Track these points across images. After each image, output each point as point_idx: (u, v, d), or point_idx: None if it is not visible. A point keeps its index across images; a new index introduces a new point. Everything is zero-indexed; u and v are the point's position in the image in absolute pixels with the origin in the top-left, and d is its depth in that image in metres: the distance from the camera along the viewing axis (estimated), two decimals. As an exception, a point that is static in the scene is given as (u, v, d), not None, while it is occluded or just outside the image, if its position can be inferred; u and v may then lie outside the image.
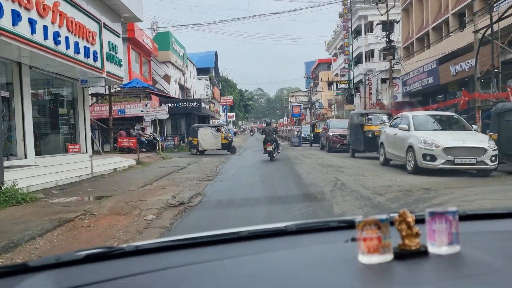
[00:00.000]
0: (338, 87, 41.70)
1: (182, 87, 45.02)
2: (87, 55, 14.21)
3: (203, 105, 29.55)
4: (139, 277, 1.12)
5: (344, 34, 42.43)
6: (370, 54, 42.85)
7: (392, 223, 1.07)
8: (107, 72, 15.96)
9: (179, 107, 28.34)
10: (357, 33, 44.44)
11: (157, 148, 22.69)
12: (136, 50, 34.93)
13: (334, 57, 54.34)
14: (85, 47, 14.07)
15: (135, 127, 24.32)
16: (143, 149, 22.57)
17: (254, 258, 1.24)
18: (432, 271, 1.01)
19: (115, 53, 16.95)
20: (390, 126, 13.19)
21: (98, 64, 15.14)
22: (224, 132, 23.52)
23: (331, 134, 20.39)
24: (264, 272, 1.11)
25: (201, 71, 56.65)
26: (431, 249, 1.08)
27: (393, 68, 23.28)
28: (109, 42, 16.31)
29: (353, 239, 1.18)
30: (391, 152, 12.61)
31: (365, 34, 42.13)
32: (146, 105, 25.68)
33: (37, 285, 1.11)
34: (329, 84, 57.00)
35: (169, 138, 27.29)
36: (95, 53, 14.82)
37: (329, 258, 1.18)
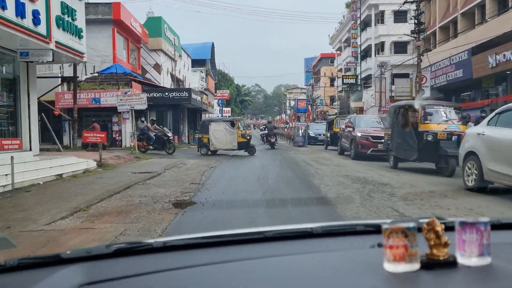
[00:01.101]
0: (344, 82, 37.44)
1: (174, 79, 40.59)
2: (21, 13, 9.86)
3: (193, 96, 25.13)
4: (166, 273, 1.11)
5: (352, 24, 38.14)
6: (380, 48, 38.62)
7: (419, 230, 1.03)
8: (57, 42, 11.60)
9: (165, 98, 23.94)
10: (365, 25, 40.17)
11: (167, 146, 18.53)
12: (122, 35, 30.42)
13: (338, 52, 50.04)
14: (17, 1, 9.74)
15: (141, 119, 19.62)
16: (150, 147, 18.66)
17: (279, 260, 1.21)
18: (461, 283, 0.98)
19: (73, 19, 12.56)
20: (491, 125, 7.56)
21: (41, 29, 10.77)
22: (241, 128, 18.93)
23: (358, 134, 14.88)
24: (289, 274, 1.09)
25: (197, 63, 52.11)
26: (460, 260, 1.02)
27: (422, 57, 19.02)
28: (61, 2, 11.93)
29: (380, 245, 1.14)
30: (501, 170, 7.02)
31: (375, 25, 37.85)
32: (125, 93, 21.34)
33: (69, 277, 1.10)
34: (332, 80, 52.72)
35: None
36: (35, 13, 10.46)
37: (354, 263, 1.13)
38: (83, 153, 15.33)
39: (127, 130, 22.54)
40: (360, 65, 38.10)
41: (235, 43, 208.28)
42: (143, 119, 19.95)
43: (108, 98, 21.82)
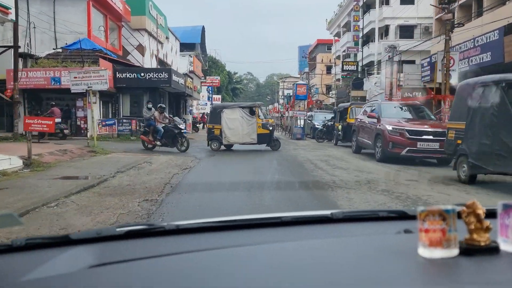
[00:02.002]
0: (344, 68, 33.76)
1: (161, 62, 36.53)
2: None
3: (174, 78, 21.20)
4: (180, 256, 1.07)
5: (354, 6, 34.31)
6: (384, 32, 34.93)
7: (459, 215, 0.94)
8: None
9: (140, 79, 20.02)
10: (367, 7, 36.38)
11: (179, 141, 13.85)
12: (100, 11, 26.36)
13: (337, 38, 46.18)
14: None
15: (148, 105, 15.47)
16: (158, 143, 14.04)
17: (298, 244, 1.14)
18: (504, 271, 0.90)
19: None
20: None
21: None
22: (261, 116, 14.99)
23: (388, 128, 10.63)
24: (310, 258, 1.01)
25: (186, 47, 47.94)
26: (503, 246, 0.94)
27: (450, 34, 15.35)
28: None
29: (407, 231, 1.14)
30: None
31: (379, 6, 34.07)
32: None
33: (78, 258, 1.06)
34: (328, 67, 48.91)
35: (125, 121, 19.07)
36: None
37: (382, 249, 1.05)
38: (21, 145, 11.55)
39: (94, 116, 18.67)
40: (362, 51, 34.37)
41: (228, 31, 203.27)
42: (150, 105, 15.52)
43: (71, 78, 17.91)
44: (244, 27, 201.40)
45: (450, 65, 15.46)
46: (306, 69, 58.72)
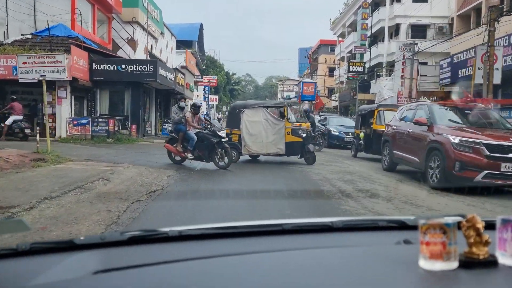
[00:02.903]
0: (351, 69, 30.77)
1: (146, 55, 33.30)
2: None
3: (161, 71, 18.03)
4: (183, 263, 1.06)
5: (363, 3, 31.27)
6: (393, 31, 31.99)
7: (459, 228, 0.95)
8: None
9: (120, 72, 16.88)
10: (376, 5, 33.43)
11: (218, 154, 9.70)
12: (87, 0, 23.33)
13: (341, 38, 43.20)
14: None
15: (180, 104, 11.17)
16: (189, 154, 9.96)
17: (300, 253, 1.14)
18: (502, 284, 0.91)
19: None
20: None
21: None
22: (292, 119, 11.28)
23: (453, 140, 7.09)
24: (312, 267, 1.01)
25: (182, 44, 44.75)
26: (501, 260, 0.94)
27: (493, 26, 12.33)
28: None
29: (406, 242, 1.14)
30: None
31: (391, 3, 31.07)
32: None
33: (82, 263, 1.06)
34: (331, 69, 45.90)
35: (100, 120, 15.93)
36: None
37: (383, 259, 1.05)
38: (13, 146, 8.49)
39: (62, 113, 15.58)
40: (370, 51, 31.34)
41: (227, 32, 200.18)
42: (183, 103, 11.35)
43: (37, 68, 14.77)
44: (242, 29, 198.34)
45: (494, 62, 12.39)
46: (307, 71, 55.64)
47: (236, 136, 11.27)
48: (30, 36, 17.19)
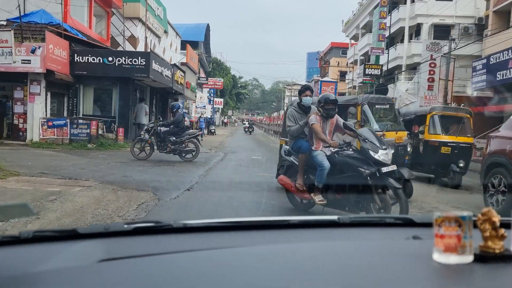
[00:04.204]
0: (366, 72, 28.02)
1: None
2: None
3: (155, 66, 15.21)
4: (187, 254, 1.04)
5: (381, 0, 28.48)
6: (414, 32, 29.17)
7: (474, 222, 0.92)
8: None
9: (106, 66, 14.15)
10: (393, 4, 30.62)
11: (376, 202, 5.09)
12: (85, -7, 20.82)
13: (354, 41, 40.38)
14: None
15: (304, 101, 5.83)
16: (317, 196, 5.31)
17: (306, 246, 1.11)
18: None
19: None
20: None
21: None
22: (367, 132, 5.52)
23: None
24: (319, 260, 0.98)
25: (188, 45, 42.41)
26: None
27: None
28: None
29: (415, 237, 1.12)
30: None
31: (412, 1, 28.23)
32: (34, 50, 11.89)
33: (87, 251, 1.04)
34: (342, 74, 43.04)
35: (81, 122, 13.20)
36: None
37: (393, 253, 1.02)
38: None
39: (35, 113, 12.88)
40: (388, 52, 28.50)
41: (235, 38, 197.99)
42: (307, 99, 5.73)
43: (4, 59, 12.09)
44: (250, 34, 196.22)
45: None
46: (315, 76, 52.68)
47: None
48: (5, 23, 14.57)
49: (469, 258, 0.88)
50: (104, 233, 1.15)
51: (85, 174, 7.92)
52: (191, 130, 11.87)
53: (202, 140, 23.64)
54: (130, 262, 0.96)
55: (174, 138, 10.62)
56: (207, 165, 10.58)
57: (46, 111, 13.09)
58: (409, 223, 1.29)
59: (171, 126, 10.78)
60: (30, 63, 12.34)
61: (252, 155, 14.98)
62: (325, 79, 27.60)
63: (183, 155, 10.83)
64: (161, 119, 11.43)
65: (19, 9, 12.52)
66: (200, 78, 41.28)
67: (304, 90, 5.85)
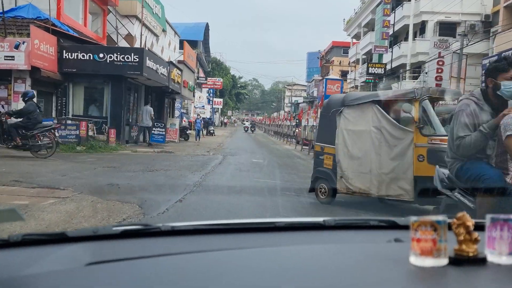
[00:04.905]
0: (370, 71, 27.11)
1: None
2: None
3: (149, 63, 14.24)
4: (175, 257, 1.04)
5: (385, -2, 27.53)
6: (418, 30, 28.23)
7: (449, 226, 0.94)
8: None
9: (97, 63, 13.19)
10: (397, 2, 29.69)
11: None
12: (78, -13, 19.86)
13: (355, 40, 39.46)
14: None
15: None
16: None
17: (292, 249, 1.13)
18: (490, 281, 0.91)
19: None
20: None
21: None
22: (426, 131, 5.34)
23: None
24: (304, 263, 1.00)
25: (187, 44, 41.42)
26: (490, 258, 0.94)
27: None
28: None
29: (397, 240, 1.13)
30: None
31: (415, -1, 27.35)
32: (18, 45, 10.96)
33: (75, 255, 1.03)
34: (343, 73, 42.10)
35: (69, 123, 12.26)
36: None
37: (373, 256, 1.04)
38: None
39: (18, 113, 11.91)
40: (392, 51, 27.57)
41: (234, 37, 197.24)
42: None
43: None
44: (249, 34, 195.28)
45: None
46: (316, 76, 51.69)
47: (330, 159, 6.20)
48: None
49: (444, 261, 0.90)
50: (92, 236, 1.15)
51: (64, 182, 6.96)
52: (45, 123, 10.31)
53: (199, 140, 22.89)
54: (118, 265, 0.96)
55: (23, 131, 9.47)
56: (204, 170, 9.62)
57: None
58: (392, 226, 1.29)
59: (23, 118, 9.58)
60: (13, 59, 11.45)
61: (253, 157, 14.04)
62: (331, 76, 26.40)
63: (36, 150, 9.64)
64: (13, 110, 10.09)
65: (1, 2, 11.53)
66: (199, 78, 40.31)
67: (508, 66, 3.21)
